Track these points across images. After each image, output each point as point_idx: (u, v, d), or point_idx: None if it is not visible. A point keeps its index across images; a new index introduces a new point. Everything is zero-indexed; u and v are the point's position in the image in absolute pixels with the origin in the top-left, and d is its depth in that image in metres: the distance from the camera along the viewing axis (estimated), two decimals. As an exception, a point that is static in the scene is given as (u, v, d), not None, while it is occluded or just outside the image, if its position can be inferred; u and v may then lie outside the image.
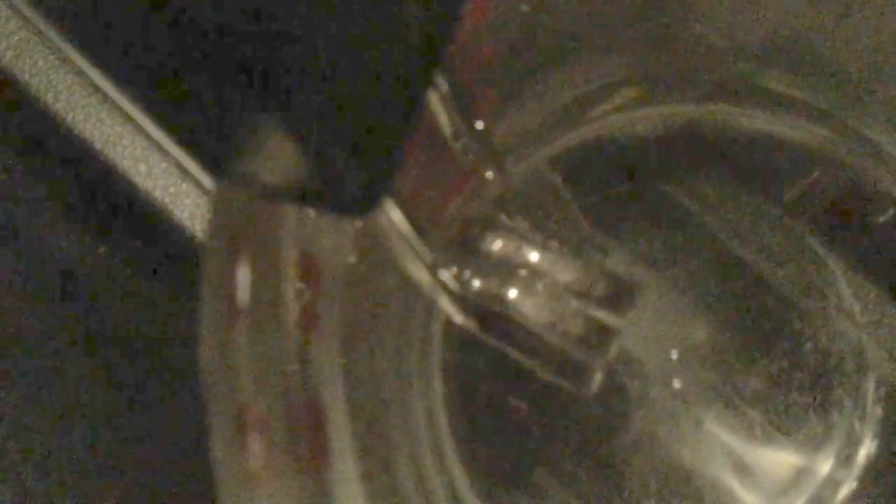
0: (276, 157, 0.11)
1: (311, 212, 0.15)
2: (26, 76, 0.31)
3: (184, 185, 0.30)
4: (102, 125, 0.30)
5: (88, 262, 0.32)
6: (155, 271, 0.32)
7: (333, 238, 0.17)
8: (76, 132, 0.30)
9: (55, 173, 0.32)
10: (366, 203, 0.12)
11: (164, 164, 0.30)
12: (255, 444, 0.11)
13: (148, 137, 0.30)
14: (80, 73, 0.30)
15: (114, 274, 0.32)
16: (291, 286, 0.14)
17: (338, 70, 0.11)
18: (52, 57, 0.31)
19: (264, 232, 0.13)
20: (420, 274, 0.17)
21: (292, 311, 0.14)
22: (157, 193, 0.30)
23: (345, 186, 0.11)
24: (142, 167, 0.30)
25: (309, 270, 0.15)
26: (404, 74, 0.12)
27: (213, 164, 0.11)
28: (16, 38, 0.31)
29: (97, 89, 0.30)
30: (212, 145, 0.11)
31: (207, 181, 0.30)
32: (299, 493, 0.12)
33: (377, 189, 0.12)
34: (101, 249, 0.33)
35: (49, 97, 0.30)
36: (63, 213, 0.33)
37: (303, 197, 0.11)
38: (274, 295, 0.14)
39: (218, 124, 0.11)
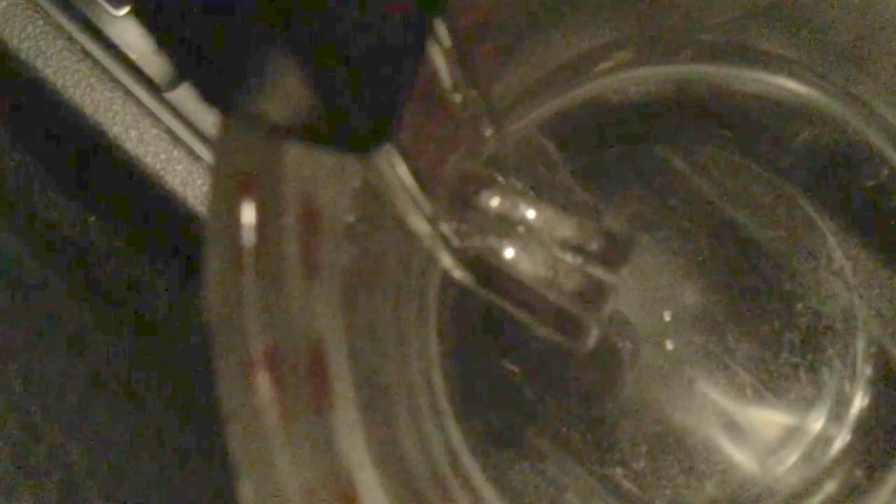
0: (284, 95, 0.11)
1: (313, 162, 0.15)
2: (15, 42, 0.30)
3: (175, 152, 0.30)
4: (93, 91, 0.30)
5: (78, 229, 0.32)
6: (146, 237, 0.32)
7: (334, 190, 0.17)
8: (66, 98, 0.30)
9: (45, 140, 0.32)
10: (371, 140, 0.12)
11: (155, 131, 0.30)
12: (262, 381, 0.12)
13: (139, 104, 0.30)
14: (70, 38, 0.30)
15: (103, 241, 0.32)
16: (293, 233, 0.14)
17: (346, 7, 0.11)
18: (41, 22, 0.30)
19: (268, 177, 0.13)
20: (420, 226, 0.17)
21: (294, 257, 0.14)
22: (149, 160, 0.30)
23: (351, 124, 0.11)
24: (133, 133, 0.30)
25: (310, 220, 0.15)
26: (409, 12, 0.12)
27: (221, 102, 0.11)
28: (4, 2, 0.30)
29: (87, 55, 0.30)
30: (220, 83, 0.11)
31: (199, 148, 0.30)
32: (305, 433, 0.12)
33: (382, 127, 0.12)
34: (92, 219, 0.33)
35: (39, 62, 0.30)
36: (53, 179, 0.32)
37: (309, 135, 0.11)
38: (277, 240, 0.14)
39: (227, 62, 0.11)
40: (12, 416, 0.14)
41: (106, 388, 0.16)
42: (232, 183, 0.13)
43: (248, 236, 0.12)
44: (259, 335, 0.12)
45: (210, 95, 0.11)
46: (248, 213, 0.13)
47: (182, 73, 0.11)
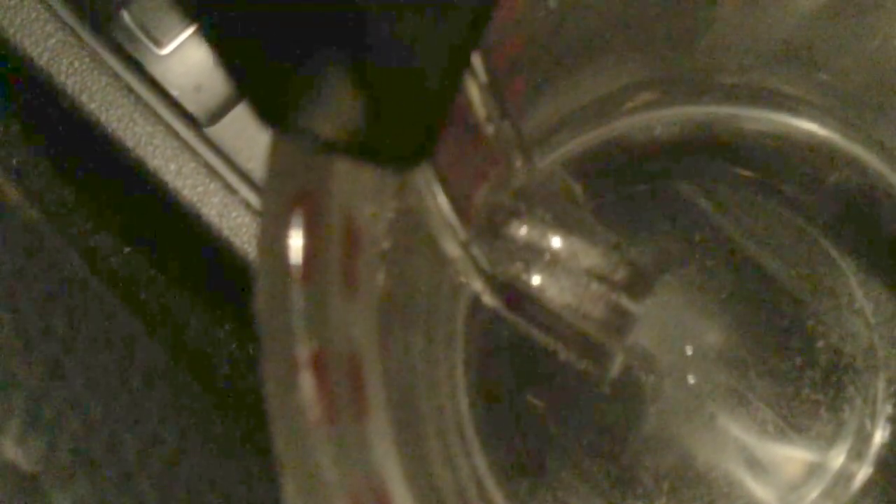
0: (334, 113, 0.12)
1: (355, 185, 0.16)
2: (62, 77, 0.31)
3: (212, 185, 0.31)
4: (135, 126, 0.31)
5: (113, 260, 0.33)
6: (181, 269, 0.33)
7: (372, 216, 0.18)
8: (110, 132, 0.31)
9: (87, 173, 0.33)
10: (411, 157, 0.12)
11: (193, 165, 0.31)
12: (307, 381, 0.12)
13: (179, 138, 0.31)
14: (114, 75, 0.31)
15: (139, 270, 0.33)
16: (336, 251, 0.15)
17: (395, 33, 0.12)
18: (87, 59, 0.31)
19: (315, 196, 0.14)
20: (453, 250, 0.18)
21: (336, 274, 0.15)
22: (186, 192, 0.31)
23: (394, 141, 0.12)
24: (172, 167, 0.31)
25: (350, 240, 0.16)
26: (451, 41, 0.12)
27: (274, 120, 0.12)
28: (52, 40, 0.31)
29: (130, 91, 0.31)
30: (275, 101, 0.12)
31: (235, 181, 0.31)
32: (345, 436, 0.13)
33: (421, 146, 0.13)
34: (128, 249, 0.33)
35: (84, 97, 0.31)
36: (92, 211, 0.33)
37: (355, 150, 0.12)
38: (322, 256, 0.14)
39: (282, 81, 0.12)
40: (73, 411, 0.15)
41: (157, 390, 0.17)
42: (282, 199, 0.13)
43: (297, 248, 0.13)
44: (305, 340, 0.13)
45: (265, 113, 0.12)
46: (297, 227, 0.13)
47: (239, 91, 0.12)
